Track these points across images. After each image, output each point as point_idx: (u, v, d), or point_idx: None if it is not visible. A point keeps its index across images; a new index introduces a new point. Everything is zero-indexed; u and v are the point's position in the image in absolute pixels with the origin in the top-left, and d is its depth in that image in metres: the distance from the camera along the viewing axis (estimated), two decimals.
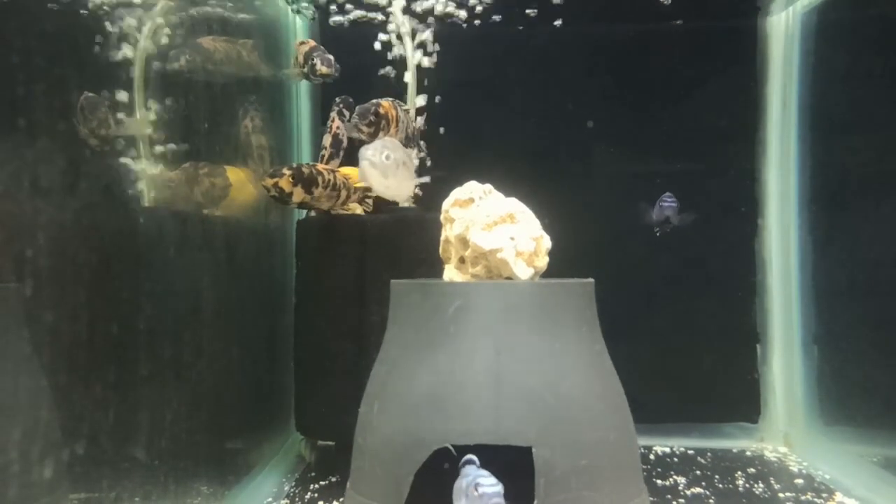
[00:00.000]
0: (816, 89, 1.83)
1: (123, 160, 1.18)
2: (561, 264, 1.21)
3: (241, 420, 1.41)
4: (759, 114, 1.92)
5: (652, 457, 1.70)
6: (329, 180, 1.42)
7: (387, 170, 1.20)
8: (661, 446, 1.78)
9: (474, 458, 0.95)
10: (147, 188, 1.21)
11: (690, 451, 1.74)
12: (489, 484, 0.88)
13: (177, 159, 1.23)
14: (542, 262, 1.14)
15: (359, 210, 1.60)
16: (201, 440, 1.22)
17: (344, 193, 1.48)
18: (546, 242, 1.18)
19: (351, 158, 1.53)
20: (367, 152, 1.20)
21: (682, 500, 1.37)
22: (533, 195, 1.19)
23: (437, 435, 1.02)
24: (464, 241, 1.16)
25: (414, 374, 1.09)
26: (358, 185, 1.57)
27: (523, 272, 1.10)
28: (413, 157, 1.20)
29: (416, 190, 1.29)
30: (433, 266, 1.28)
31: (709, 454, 1.72)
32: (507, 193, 1.19)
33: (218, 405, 1.29)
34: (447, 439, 1.02)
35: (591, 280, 1.17)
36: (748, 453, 1.74)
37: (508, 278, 1.12)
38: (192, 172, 1.22)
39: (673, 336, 1.88)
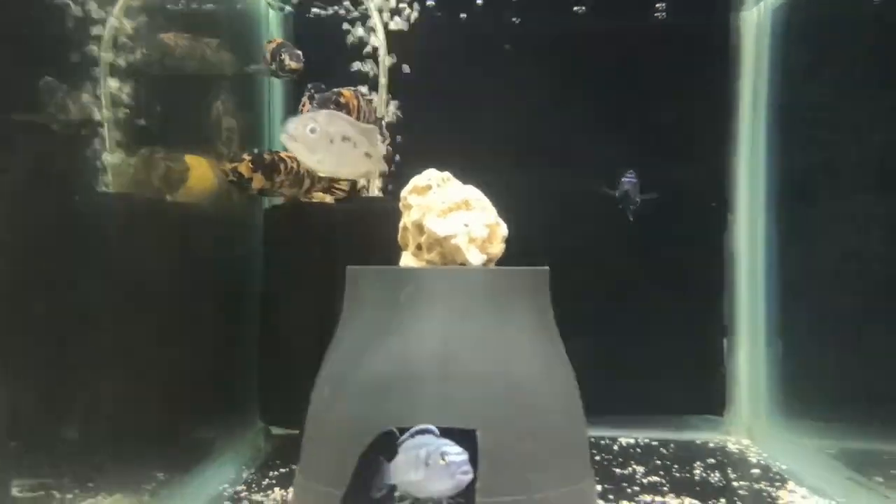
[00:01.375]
0: (786, 85, 1.85)
1: (82, 145, 1.18)
2: (528, 255, 1.21)
3: (199, 406, 1.41)
4: (730, 109, 1.94)
5: (616, 447, 1.71)
6: (292, 168, 1.42)
7: (315, 144, 1.11)
8: (626, 438, 1.79)
9: (432, 427, 0.92)
10: (105, 173, 1.22)
11: (654, 443, 1.76)
12: (456, 452, 0.85)
13: (137, 145, 1.23)
14: (497, 248, 1.15)
15: (327, 199, 1.61)
16: (154, 425, 1.22)
17: (308, 182, 1.48)
18: (502, 230, 1.19)
19: None
20: (288, 125, 1.11)
21: (636, 488, 1.39)
22: (501, 184, 1.20)
23: (383, 419, 1.02)
24: (420, 228, 1.17)
25: (364, 358, 1.10)
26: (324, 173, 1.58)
27: (476, 258, 1.11)
28: (376, 137, 1.18)
29: (375, 168, 1.24)
30: (399, 255, 1.29)
31: (672, 445, 1.74)
32: (476, 181, 1.19)
33: (173, 391, 1.29)
34: (393, 423, 1.03)
35: (546, 268, 1.18)
36: (711, 445, 1.76)
37: (462, 264, 1.13)
38: (149, 157, 1.22)
39: (641, 329, 1.89)
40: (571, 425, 1.12)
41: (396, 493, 0.93)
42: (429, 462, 0.85)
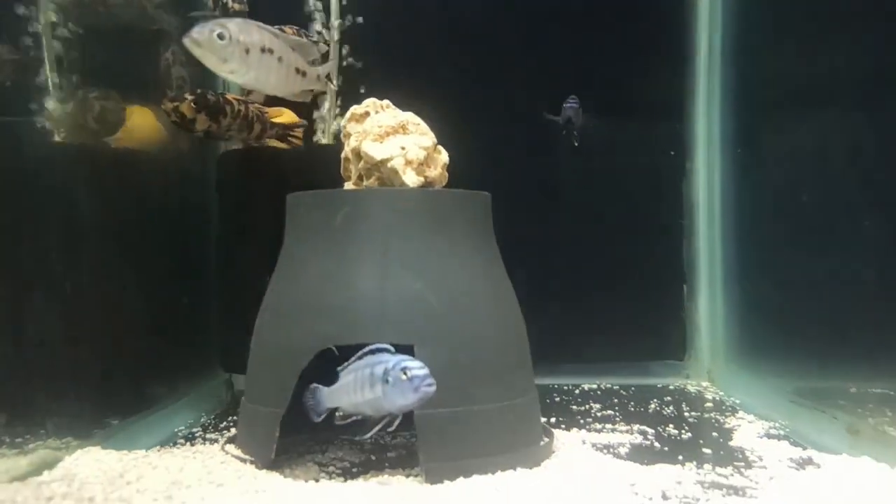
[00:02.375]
0: (740, 35, 1.86)
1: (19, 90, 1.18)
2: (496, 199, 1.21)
3: (156, 354, 1.41)
4: (688, 57, 1.95)
5: (577, 391, 1.72)
6: (239, 111, 1.42)
7: (225, 52, 1.03)
8: (589, 384, 1.80)
9: (386, 346, 0.92)
10: (44, 118, 1.21)
11: (615, 387, 1.77)
12: (417, 367, 0.85)
13: (76, 91, 1.23)
14: (434, 172, 1.16)
15: (281, 146, 1.60)
16: (109, 369, 1.22)
17: (258, 127, 1.48)
18: (444, 157, 1.20)
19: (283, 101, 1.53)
20: (193, 30, 1.02)
21: (590, 419, 1.40)
22: (462, 124, 1.19)
23: (321, 338, 1.04)
24: (358, 154, 1.17)
25: (303, 281, 1.11)
26: (276, 120, 1.57)
27: (412, 180, 1.12)
28: (310, 51, 1.15)
29: (313, 87, 1.19)
30: None
31: (632, 389, 1.75)
32: (432, 120, 1.19)
33: (128, 338, 1.28)
34: (331, 342, 1.04)
35: (487, 193, 1.19)
36: (671, 387, 1.78)
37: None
38: (85, 99, 1.22)
39: (603, 277, 1.90)
40: (511, 343, 1.13)
41: (340, 413, 0.93)
42: (388, 378, 0.84)
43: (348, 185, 1.23)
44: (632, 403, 1.57)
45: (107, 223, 1.27)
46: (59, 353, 1.08)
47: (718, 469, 1.04)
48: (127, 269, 1.33)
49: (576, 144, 1.66)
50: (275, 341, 1.09)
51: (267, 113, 1.50)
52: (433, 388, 0.84)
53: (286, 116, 1.58)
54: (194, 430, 1.35)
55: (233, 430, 1.34)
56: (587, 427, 1.33)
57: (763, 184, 1.76)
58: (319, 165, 1.53)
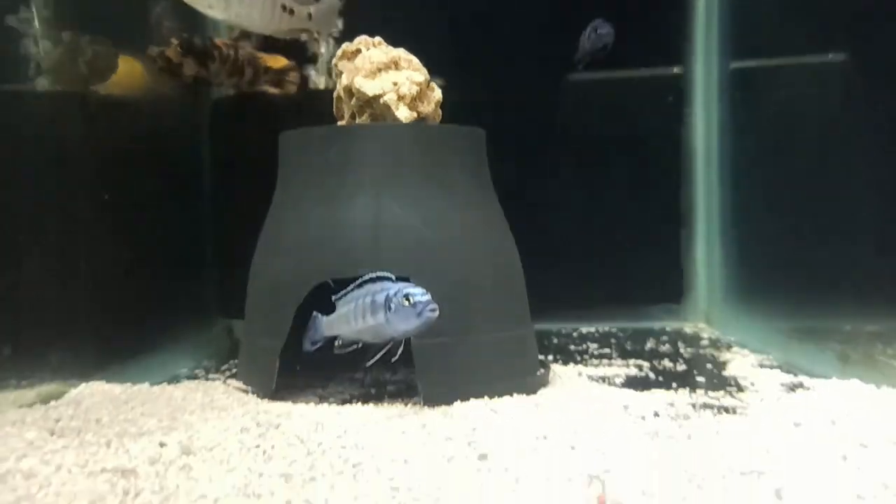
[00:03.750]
0: None
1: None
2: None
3: (155, 299, 1.42)
4: (688, 2, 1.93)
5: (575, 334, 1.74)
6: (228, 55, 1.41)
7: None
8: (587, 328, 1.82)
9: (386, 273, 0.92)
10: (33, 64, 1.20)
11: (613, 330, 1.79)
12: (420, 293, 0.85)
13: (66, 36, 1.21)
14: (427, 108, 1.15)
15: (276, 92, 1.59)
16: (107, 314, 1.23)
17: (249, 71, 1.47)
18: (437, 94, 1.19)
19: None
20: None
21: (587, 357, 1.42)
22: (456, 66, 1.18)
23: (317, 271, 1.05)
24: (350, 92, 1.17)
25: (298, 217, 1.11)
26: (271, 65, 1.56)
27: (405, 115, 1.11)
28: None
29: (295, 24, 1.18)
30: None
31: (630, 331, 1.77)
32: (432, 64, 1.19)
33: (126, 283, 1.29)
34: (328, 275, 1.05)
35: (481, 129, 1.18)
36: (668, 329, 1.80)
37: None
38: (76, 44, 1.20)
39: (602, 222, 1.91)
40: (506, 276, 1.14)
41: (339, 342, 0.95)
42: (391, 305, 0.85)
43: (340, 124, 1.23)
44: (629, 343, 1.59)
45: (105, 170, 1.27)
46: (57, 294, 1.09)
47: (711, 393, 1.06)
48: (124, 217, 1.33)
49: (579, 68, 1.57)
50: (272, 277, 1.10)
51: (260, 58, 1.49)
52: (436, 314, 0.84)
53: (281, 62, 1.57)
54: (196, 371, 1.37)
55: (234, 371, 1.37)
56: (584, 363, 1.35)
57: (760, 129, 1.75)
58: (312, 110, 1.53)
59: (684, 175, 1.95)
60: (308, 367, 1.15)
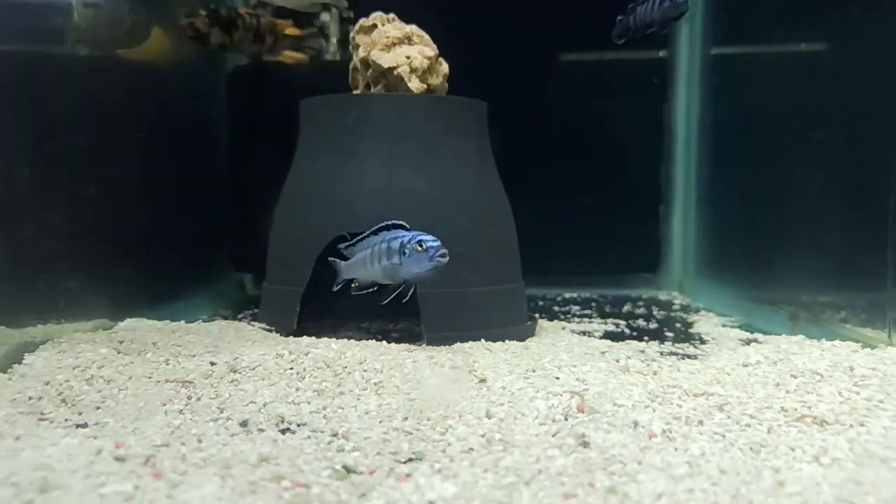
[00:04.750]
0: None
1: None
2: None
3: (174, 252, 1.53)
4: None
5: (559, 299, 1.89)
6: (251, 24, 1.51)
7: None
8: (570, 293, 1.97)
9: (401, 222, 1.01)
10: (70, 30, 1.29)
11: (594, 296, 1.94)
12: (431, 240, 0.94)
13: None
14: (436, 81, 1.27)
15: (297, 56, 1.68)
16: (130, 264, 1.34)
17: (270, 39, 1.57)
18: (444, 68, 1.31)
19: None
20: None
21: (570, 316, 1.57)
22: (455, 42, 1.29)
23: (333, 225, 1.17)
24: (366, 63, 1.28)
25: (317, 176, 1.23)
26: (289, 32, 1.66)
27: (416, 87, 1.23)
28: None
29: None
30: None
31: (610, 297, 1.92)
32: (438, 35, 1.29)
33: (145, 237, 1.40)
34: (343, 229, 1.17)
35: (483, 102, 1.30)
36: (644, 296, 1.95)
37: None
38: (116, 13, 1.29)
39: (586, 197, 2.04)
40: (502, 237, 1.28)
41: (355, 285, 1.06)
42: (405, 250, 0.95)
43: (356, 93, 1.34)
44: (608, 306, 1.74)
45: (132, 132, 1.37)
46: (110, 242, 1.20)
47: (677, 345, 1.21)
48: (155, 177, 1.43)
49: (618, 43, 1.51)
50: (293, 229, 1.22)
51: (279, 25, 1.59)
52: (446, 259, 0.94)
53: (297, 31, 1.67)
54: (214, 318, 1.49)
55: (254, 315, 1.49)
56: (567, 321, 1.50)
57: (734, 114, 1.88)
58: (325, 77, 1.64)
59: (664, 155, 2.09)
60: (318, 316, 1.28)
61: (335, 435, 0.67)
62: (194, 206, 1.61)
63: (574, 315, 1.59)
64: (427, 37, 1.27)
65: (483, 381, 0.85)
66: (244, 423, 0.71)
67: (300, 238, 1.19)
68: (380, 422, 0.72)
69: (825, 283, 1.47)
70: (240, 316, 1.52)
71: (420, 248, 0.96)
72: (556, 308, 1.70)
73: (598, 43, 1.95)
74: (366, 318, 1.35)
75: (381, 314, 1.33)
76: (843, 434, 0.64)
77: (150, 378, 0.83)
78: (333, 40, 1.69)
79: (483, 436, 0.65)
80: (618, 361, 1.01)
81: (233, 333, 1.09)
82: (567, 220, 2.02)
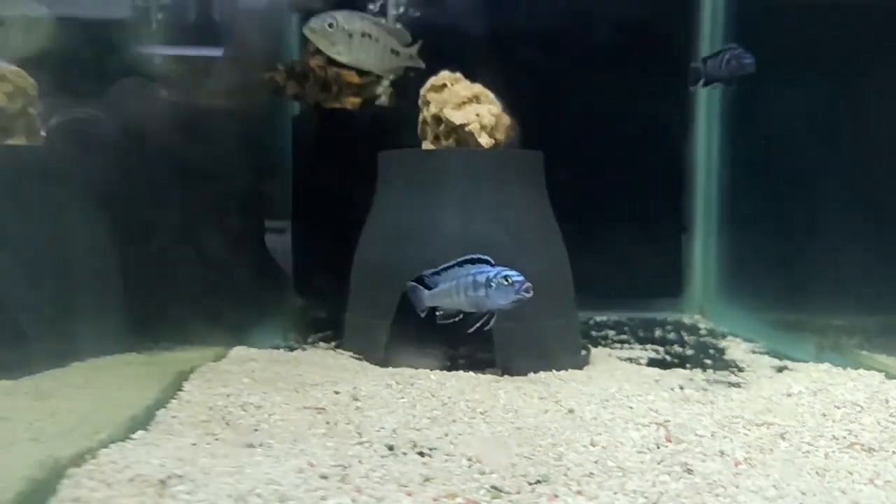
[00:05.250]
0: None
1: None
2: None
3: (241, 284, 1.66)
4: (690, 37, 2.21)
5: (591, 321, 2.04)
6: (321, 77, 1.65)
7: (333, 38, 1.30)
8: (600, 316, 2.12)
9: (485, 257, 1.12)
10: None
11: (623, 319, 2.09)
12: (516, 275, 1.05)
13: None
14: (502, 135, 1.42)
15: (356, 101, 1.83)
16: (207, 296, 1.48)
17: (335, 88, 1.72)
18: (505, 119, 1.46)
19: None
20: (311, 21, 1.31)
21: (609, 341, 1.72)
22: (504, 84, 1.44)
23: (415, 262, 1.31)
24: (438, 119, 1.43)
25: (398, 221, 1.38)
26: (351, 81, 1.81)
27: (486, 142, 1.38)
28: (404, 36, 1.38)
29: (392, 63, 1.42)
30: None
31: (637, 320, 2.07)
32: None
33: (213, 271, 1.53)
34: (426, 266, 1.31)
35: (540, 152, 1.46)
36: (669, 319, 2.11)
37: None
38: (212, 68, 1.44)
39: (613, 225, 2.19)
40: (561, 273, 1.43)
41: (440, 313, 1.19)
42: (492, 283, 1.05)
43: (425, 143, 1.48)
44: (640, 331, 1.89)
45: (213, 172, 1.51)
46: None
47: (718, 372, 1.36)
48: (225, 213, 1.57)
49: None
50: (376, 267, 1.37)
51: (343, 75, 1.74)
52: (530, 294, 1.06)
53: (357, 78, 1.82)
54: (289, 343, 1.62)
55: (320, 345, 1.63)
56: (609, 346, 1.65)
57: (753, 143, 2.05)
58: (380, 123, 1.79)
59: (686, 185, 2.25)
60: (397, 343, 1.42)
61: (469, 459, 0.81)
62: (265, 239, 1.75)
63: (612, 340, 1.73)
64: (492, 95, 1.42)
65: (571, 411, 1.00)
66: (391, 447, 0.85)
67: (384, 275, 1.33)
68: (499, 447, 0.86)
69: (840, 308, 1.63)
70: (309, 340, 1.66)
71: (506, 283, 1.08)
72: (594, 332, 1.84)
73: (624, 78, 2.12)
74: (433, 345, 1.49)
75: (444, 341, 1.47)
76: (890, 459, 0.79)
77: (288, 405, 0.96)
78: (388, 88, 1.84)
79: (596, 462, 0.79)
80: (673, 390, 1.16)
81: (331, 362, 1.23)
82: (595, 248, 2.17)
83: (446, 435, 0.90)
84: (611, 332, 1.85)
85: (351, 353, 1.34)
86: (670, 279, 2.24)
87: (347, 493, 0.68)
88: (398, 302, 1.29)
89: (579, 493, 0.70)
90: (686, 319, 2.14)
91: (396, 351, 1.32)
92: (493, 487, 0.73)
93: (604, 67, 2.12)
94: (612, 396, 1.07)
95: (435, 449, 0.85)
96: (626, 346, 1.65)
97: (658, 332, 1.86)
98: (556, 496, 0.70)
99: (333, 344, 1.46)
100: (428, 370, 1.17)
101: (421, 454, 0.84)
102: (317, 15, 1.28)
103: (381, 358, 1.28)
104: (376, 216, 1.41)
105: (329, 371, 1.15)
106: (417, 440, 0.87)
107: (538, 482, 0.76)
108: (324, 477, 0.72)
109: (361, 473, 0.73)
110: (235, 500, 0.65)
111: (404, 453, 0.83)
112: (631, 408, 1.02)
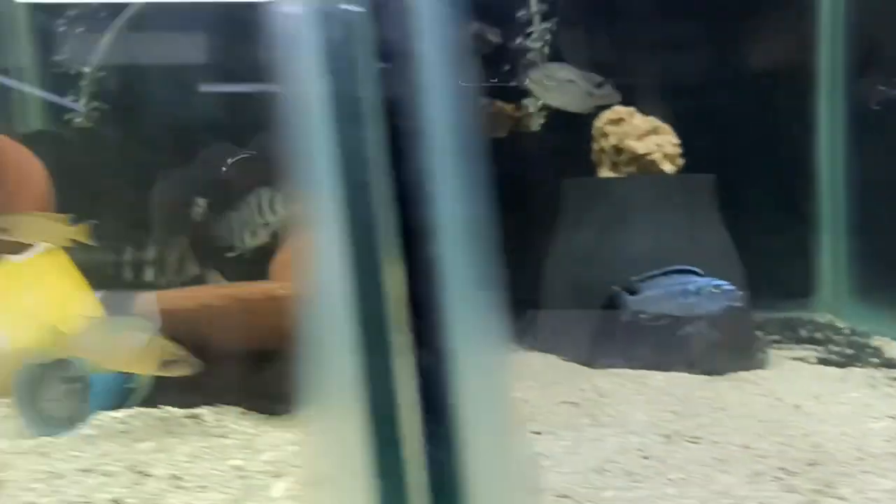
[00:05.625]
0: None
1: None
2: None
3: None
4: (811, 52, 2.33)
5: None
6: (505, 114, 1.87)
7: (548, 87, 1.52)
8: None
9: (693, 268, 1.23)
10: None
11: (760, 320, 2.21)
12: (725, 284, 1.16)
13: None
14: (679, 162, 1.59)
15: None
16: None
17: (510, 122, 1.92)
18: (679, 149, 1.63)
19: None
20: (532, 73, 1.55)
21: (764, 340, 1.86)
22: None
23: (614, 278, 1.49)
24: (618, 149, 1.61)
25: (588, 241, 1.57)
26: (513, 112, 2.01)
27: (668, 168, 1.56)
28: (594, 79, 1.60)
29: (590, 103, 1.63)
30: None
31: (775, 319, 2.18)
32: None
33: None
34: (623, 281, 1.48)
35: (713, 175, 1.62)
36: (804, 318, 2.22)
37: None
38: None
39: (750, 234, 2.33)
40: (738, 283, 1.58)
41: (645, 316, 1.35)
42: (700, 292, 1.19)
43: (603, 170, 1.66)
44: (786, 331, 2.02)
45: None
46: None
47: (891, 370, 1.49)
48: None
49: None
50: (578, 281, 1.55)
51: (507, 108, 1.94)
52: (739, 303, 1.21)
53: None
54: None
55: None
56: (769, 346, 1.79)
57: (879, 155, 2.16)
58: (533, 150, 1.98)
59: (814, 193, 2.38)
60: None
61: (744, 446, 0.98)
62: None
63: (769, 340, 1.87)
64: (667, 126, 1.60)
65: (797, 406, 1.16)
66: (667, 436, 1.02)
67: (589, 287, 1.50)
68: (757, 436, 1.02)
69: None
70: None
71: (716, 290, 1.21)
72: None
73: (755, 91, 2.26)
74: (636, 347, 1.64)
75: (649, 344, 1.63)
76: None
77: (549, 401, 1.16)
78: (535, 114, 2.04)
79: (859, 448, 0.95)
80: (869, 387, 1.30)
81: (542, 362, 1.44)
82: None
83: (698, 427, 1.07)
84: (758, 332, 1.98)
85: (556, 355, 1.53)
86: (801, 280, 2.36)
87: (675, 472, 0.86)
88: (604, 306, 1.47)
89: (864, 472, 0.86)
90: (819, 319, 2.25)
91: (601, 352, 1.51)
92: (781, 468, 0.90)
93: (741, 84, 2.26)
94: (820, 393, 1.23)
95: (700, 438, 1.02)
96: (784, 345, 1.79)
97: (803, 332, 1.99)
98: (846, 474, 0.86)
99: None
100: (632, 370, 1.35)
101: (692, 441, 1.01)
102: (533, 69, 1.52)
103: (587, 360, 1.46)
104: (562, 239, 1.60)
105: (547, 369, 1.35)
106: (679, 430, 1.05)
107: (812, 464, 0.92)
108: (645, 457, 0.90)
109: (668, 457, 0.92)
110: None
111: (676, 441, 1.01)
112: (841, 403, 1.18)
